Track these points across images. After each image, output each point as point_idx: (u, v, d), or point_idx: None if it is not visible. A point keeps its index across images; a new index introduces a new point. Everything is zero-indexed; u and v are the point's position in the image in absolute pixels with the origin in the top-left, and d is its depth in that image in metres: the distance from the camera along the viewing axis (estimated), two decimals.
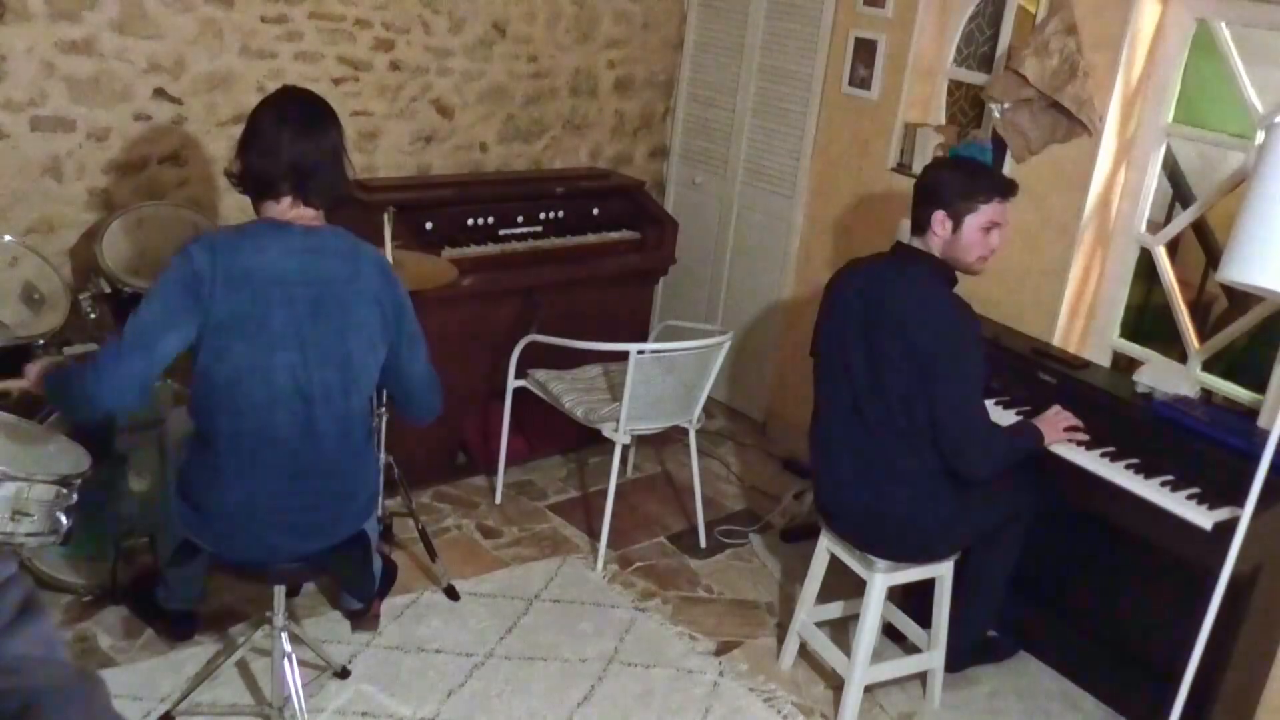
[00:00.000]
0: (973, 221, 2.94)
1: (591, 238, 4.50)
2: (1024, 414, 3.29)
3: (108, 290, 3.39)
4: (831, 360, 3.06)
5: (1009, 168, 3.85)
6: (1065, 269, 3.75)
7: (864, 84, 4.36)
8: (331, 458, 2.60)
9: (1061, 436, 3.13)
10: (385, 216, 3.34)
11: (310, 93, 2.64)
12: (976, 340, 2.93)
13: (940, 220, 2.95)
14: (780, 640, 3.49)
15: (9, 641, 1.05)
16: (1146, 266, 3.73)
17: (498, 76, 4.60)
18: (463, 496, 4.17)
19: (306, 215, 2.55)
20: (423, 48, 4.33)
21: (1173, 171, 4.31)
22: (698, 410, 3.91)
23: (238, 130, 2.59)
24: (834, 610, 3.46)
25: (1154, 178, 3.69)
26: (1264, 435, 2.83)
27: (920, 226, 2.99)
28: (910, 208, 3.03)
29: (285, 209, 2.53)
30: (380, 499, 3.36)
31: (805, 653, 3.44)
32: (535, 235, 4.37)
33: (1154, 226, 3.76)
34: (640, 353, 3.59)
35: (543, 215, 4.44)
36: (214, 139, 3.91)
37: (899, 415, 2.92)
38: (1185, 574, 3.01)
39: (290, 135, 2.49)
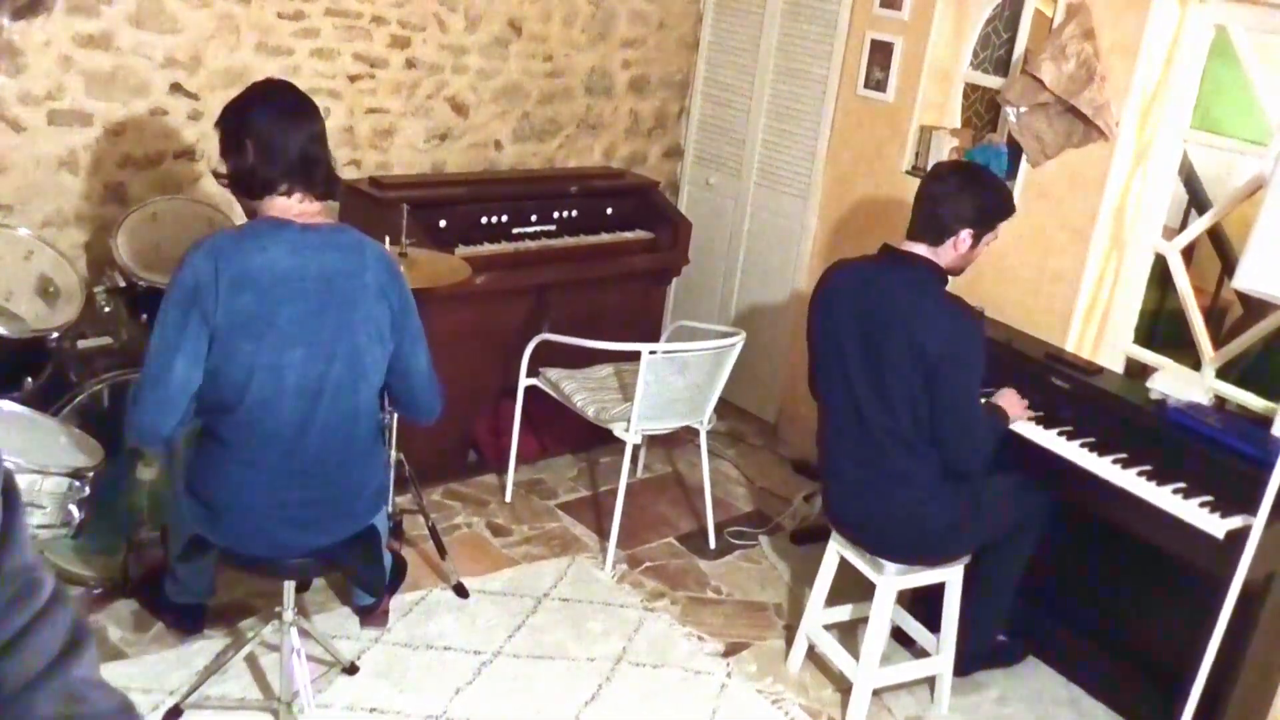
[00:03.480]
0: (987, 239, 3.02)
1: (605, 237, 4.50)
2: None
3: (122, 284, 3.40)
4: (829, 365, 3.06)
5: (1024, 172, 3.84)
6: (1079, 274, 3.74)
7: (879, 86, 4.35)
8: (338, 452, 2.61)
9: (1021, 415, 3.20)
10: (400, 213, 3.34)
11: (287, 81, 2.65)
12: (981, 338, 2.95)
13: (967, 237, 2.96)
14: (789, 642, 3.49)
15: (72, 665, 1.02)
16: (1161, 273, 3.71)
17: (513, 75, 4.60)
18: (473, 494, 4.18)
19: (311, 210, 2.54)
20: (438, 46, 4.33)
21: (1189, 177, 4.29)
22: (709, 411, 3.90)
23: None
24: (843, 613, 3.46)
25: (1170, 184, 3.68)
26: (1277, 443, 2.83)
27: (933, 237, 2.96)
28: (920, 213, 2.99)
29: (293, 205, 2.52)
30: (390, 496, 3.38)
31: (814, 655, 3.43)
32: (549, 234, 4.37)
33: (1169, 232, 3.75)
34: (652, 353, 3.59)
35: (556, 214, 4.44)
36: None
37: (902, 418, 2.92)
38: (1196, 581, 3.00)
39: (294, 129, 2.50)
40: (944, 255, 2.98)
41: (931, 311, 2.90)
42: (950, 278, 3.03)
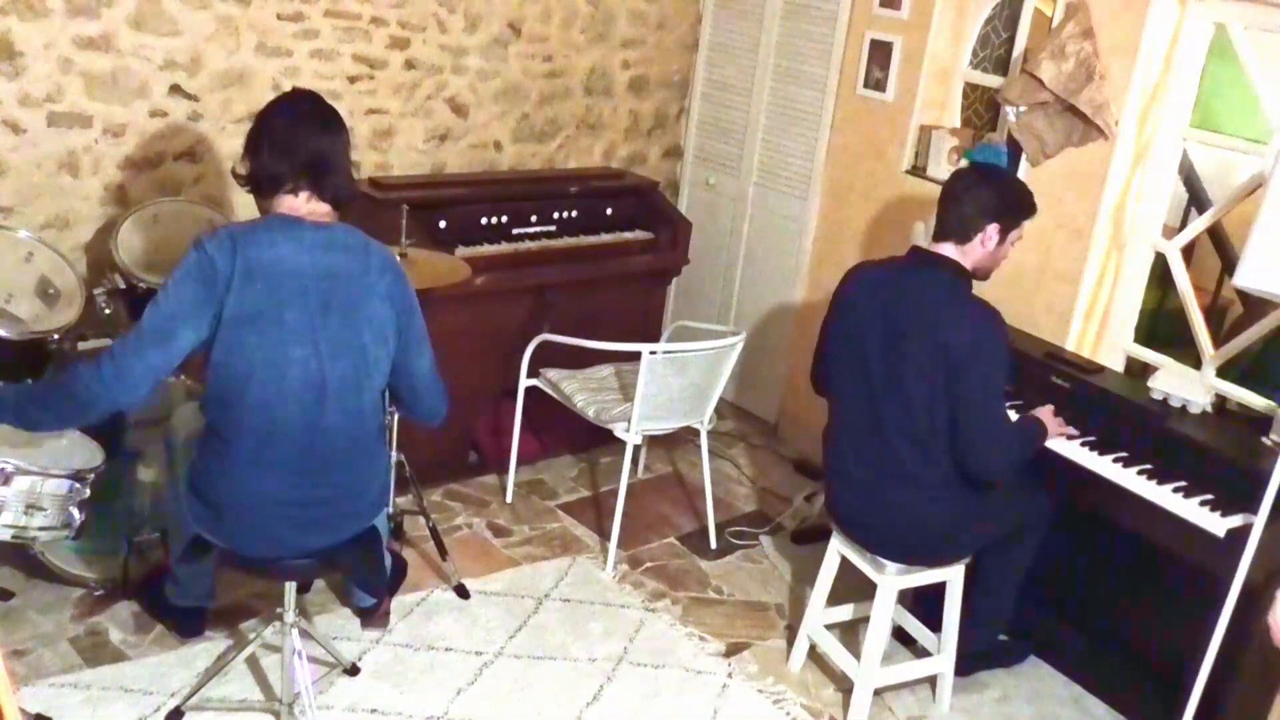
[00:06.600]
0: (1013, 236, 3.02)
1: (605, 237, 4.49)
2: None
3: (122, 286, 3.40)
4: (846, 363, 3.06)
5: (1024, 171, 3.84)
6: (1080, 273, 3.74)
7: (879, 86, 4.35)
8: (341, 452, 2.61)
9: (1060, 432, 3.16)
10: (400, 213, 3.35)
11: (317, 94, 2.69)
12: (1005, 339, 2.94)
13: (993, 232, 2.96)
14: (790, 642, 3.49)
15: None
16: (1161, 271, 3.71)
17: (513, 76, 4.60)
18: (474, 495, 4.18)
19: (320, 211, 2.57)
20: (438, 46, 4.33)
21: (1188, 176, 4.29)
22: (709, 411, 3.90)
23: None
24: (844, 613, 3.46)
25: (1170, 182, 3.68)
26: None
27: (960, 234, 2.96)
28: (945, 213, 2.99)
29: (300, 204, 2.55)
30: (391, 496, 3.38)
31: (815, 655, 3.43)
32: (548, 235, 4.37)
33: (1169, 231, 3.75)
34: (652, 353, 3.59)
35: (556, 215, 4.44)
36: (229, 136, 3.92)
37: (918, 419, 2.91)
38: (1198, 580, 2.99)
39: (307, 131, 2.54)
40: (971, 254, 2.98)
41: (956, 311, 2.89)
42: (976, 281, 3.02)
